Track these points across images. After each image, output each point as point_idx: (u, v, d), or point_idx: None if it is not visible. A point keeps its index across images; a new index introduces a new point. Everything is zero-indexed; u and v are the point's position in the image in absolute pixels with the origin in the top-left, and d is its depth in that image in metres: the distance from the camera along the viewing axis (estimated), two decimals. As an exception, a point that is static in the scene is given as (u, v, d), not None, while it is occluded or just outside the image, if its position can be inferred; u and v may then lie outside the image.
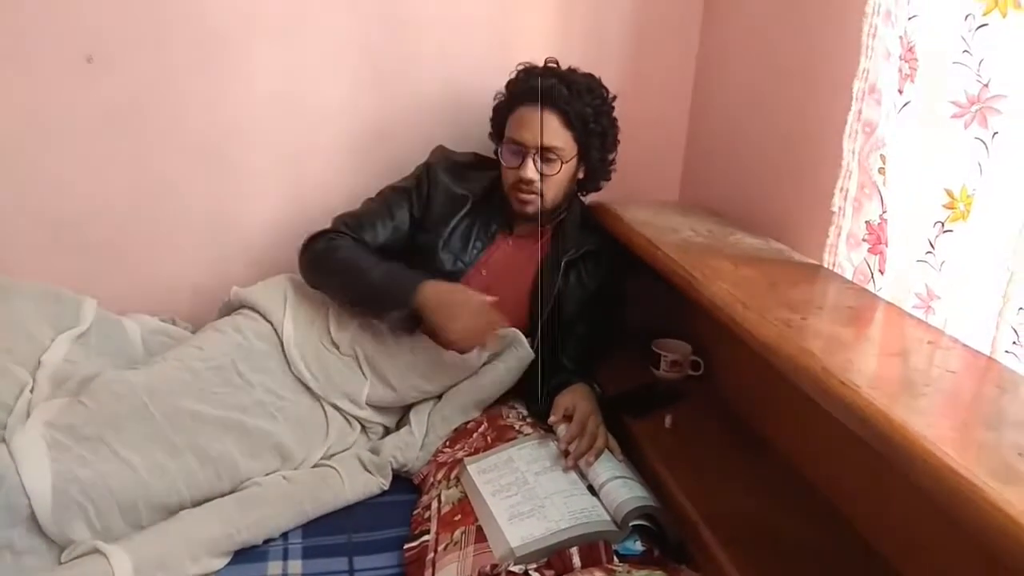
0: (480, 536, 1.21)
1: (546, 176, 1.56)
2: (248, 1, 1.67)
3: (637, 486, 1.27)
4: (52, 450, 1.21)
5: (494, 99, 1.67)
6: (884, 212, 1.23)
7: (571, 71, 1.61)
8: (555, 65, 1.63)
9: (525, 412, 1.55)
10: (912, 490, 0.83)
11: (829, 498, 1.21)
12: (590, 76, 1.62)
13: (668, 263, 1.37)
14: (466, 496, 1.32)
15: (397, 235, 1.64)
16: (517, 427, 1.48)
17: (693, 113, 1.99)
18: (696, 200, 1.95)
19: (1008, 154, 1.01)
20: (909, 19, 1.15)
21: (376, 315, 1.56)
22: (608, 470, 1.30)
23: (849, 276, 1.32)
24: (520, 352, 1.55)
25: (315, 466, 1.47)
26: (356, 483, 1.43)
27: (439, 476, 1.42)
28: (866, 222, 1.27)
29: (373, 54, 1.78)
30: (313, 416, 1.51)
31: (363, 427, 1.57)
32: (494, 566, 1.14)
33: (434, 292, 1.45)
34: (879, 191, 1.23)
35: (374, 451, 1.52)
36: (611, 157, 1.68)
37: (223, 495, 1.34)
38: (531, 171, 1.55)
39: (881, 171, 1.22)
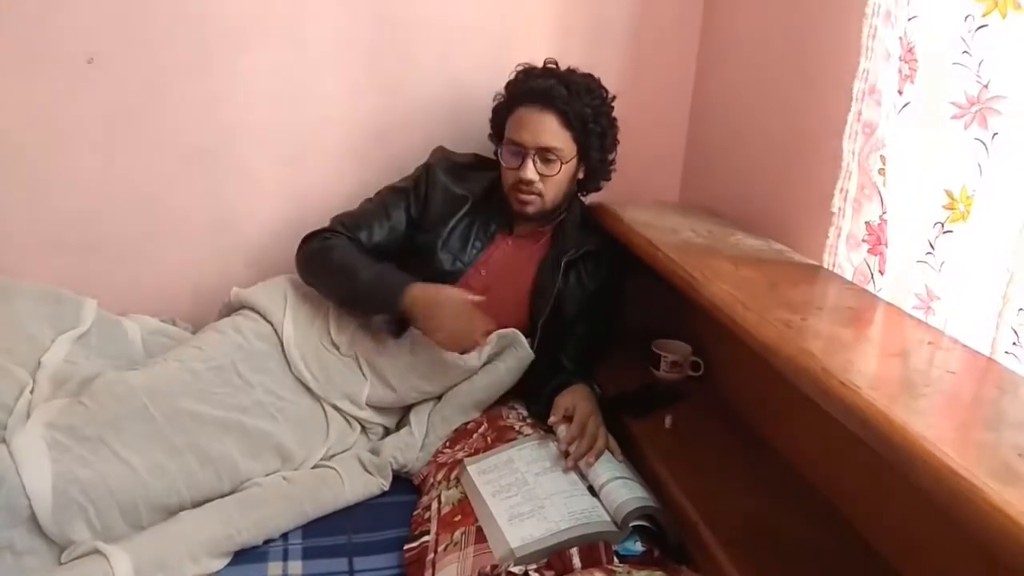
0: (480, 537, 1.21)
1: (545, 177, 1.56)
2: (248, 2, 1.68)
3: (637, 487, 1.27)
4: (52, 451, 1.21)
5: (493, 100, 1.67)
6: (884, 213, 1.23)
7: (570, 71, 1.61)
8: (554, 66, 1.63)
9: (525, 413, 1.55)
10: (912, 491, 0.83)
11: (829, 498, 1.21)
12: (589, 76, 1.62)
13: (668, 264, 1.37)
14: (466, 497, 1.32)
15: (393, 235, 1.64)
16: (517, 428, 1.48)
17: (693, 113, 1.99)
18: (696, 201, 1.95)
19: (1008, 155, 1.01)
20: (909, 20, 1.15)
21: (365, 316, 1.56)
22: (608, 471, 1.30)
23: (849, 277, 1.32)
24: (520, 352, 1.55)
25: (315, 467, 1.47)
26: (356, 484, 1.43)
27: (439, 477, 1.42)
28: (866, 223, 1.27)
29: (373, 55, 1.78)
30: (313, 417, 1.51)
31: (363, 428, 1.58)
32: (494, 567, 1.14)
33: (421, 295, 1.45)
34: (879, 192, 1.24)
35: (374, 452, 1.52)
36: (611, 157, 1.68)
37: (223, 496, 1.34)
38: (531, 172, 1.55)
39: (881, 172, 1.23)
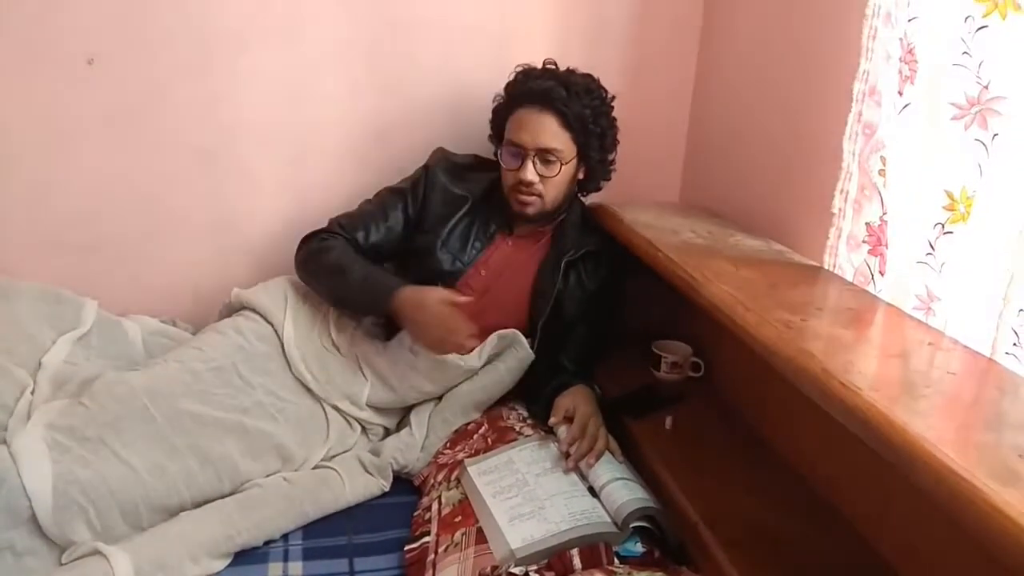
0: (481, 537, 1.21)
1: (545, 178, 1.56)
2: (249, 3, 1.68)
3: (638, 488, 1.27)
4: (53, 451, 1.21)
5: (493, 101, 1.67)
6: (884, 214, 1.23)
7: (569, 72, 1.61)
8: (553, 66, 1.63)
9: (525, 413, 1.55)
10: (912, 491, 0.84)
11: (829, 499, 1.21)
12: (588, 76, 1.62)
13: (669, 265, 1.37)
14: (467, 497, 1.32)
15: (390, 236, 1.64)
16: (517, 428, 1.48)
17: (693, 114, 1.99)
18: (696, 201, 1.95)
19: (1008, 156, 1.00)
20: (909, 21, 1.15)
21: (356, 318, 1.56)
22: (609, 472, 1.30)
23: (849, 277, 1.32)
24: (520, 353, 1.55)
25: (315, 467, 1.47)
26: (356, 484, 1.43)
27: (439, 477, 1.42)
28: (866, 223, 1.27)
29: (373, 56, 1.78)
30: (314, 417, 1.51)
31: (363, 428, 1.58)
32: (495, 567, 1.14)
33: (407, 299, 1.45)
34: (879, 193, 1.24)
35: (375, 452, 1.53)
36: (611, 157, 1.68)
37: (223, 496, 1.34)
38: (531, 173, 1.55)
39: (881, 173, 1.23)
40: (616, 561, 1.14)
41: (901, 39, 1.17)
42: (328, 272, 1.56)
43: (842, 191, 1.32)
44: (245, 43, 1.70)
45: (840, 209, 1.33)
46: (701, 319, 1.35)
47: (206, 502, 1.32)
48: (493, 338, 1.56)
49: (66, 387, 1.39)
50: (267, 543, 1.31)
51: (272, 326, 1.55)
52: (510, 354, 1.56)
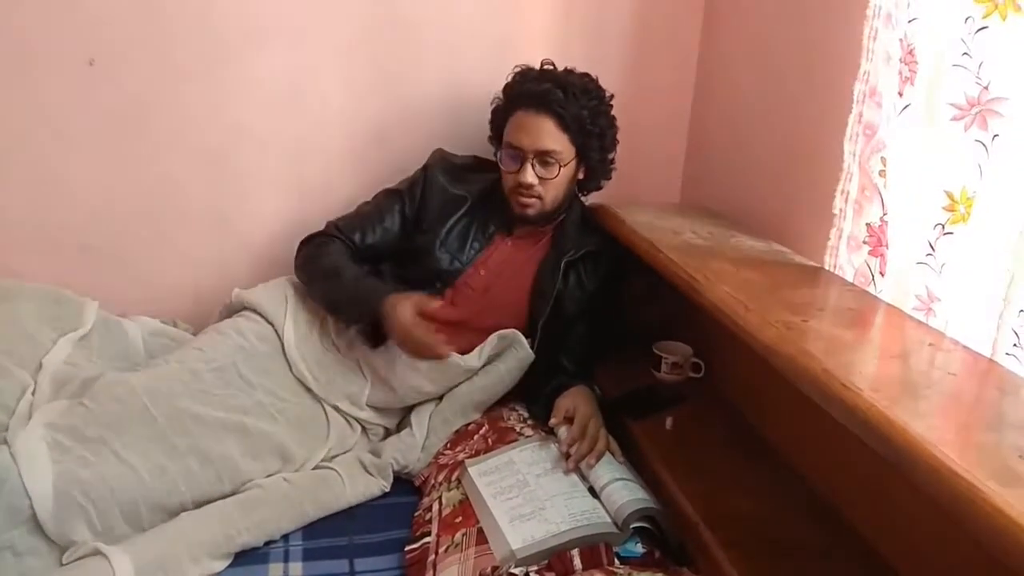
0: (481, 538, 1.21)
1: (545, 180, 1.56)
2: (249, 4, 1.68)
3: (638, 488, 1.27)
4: (53, 452, 1.21)
5: (491, 103, 1.67)
6: (885, 214, 1.23)
7: (567, 72, 1.61)
8: (551, 67, 1.63)
9: (526, 414, 1.55)
10: (913, 492, 0.84)
11: (830, 499, 1.21)
12: (586, 76, 1.62)
13: (669, 265, 1.37)
14: (467, 498, 1.32)
15: (387, 237, 1.65)
16: (518, 429, 1.48)
17: (694, 115, 1.99)
18: (697, 202, 1.95)
19: (1008, 156, 1.00)
20: (909, 22, 1.15)
21: (347, 324, 1.56)
22: (609, 472, 1.30)
23: (850, 278, 1.32)
24: (520, 353, 1.56)
25: (316, 468, 1.47)
26: (357, 485, 1.43)
27: (440, 478, 1.42)
28: (867, 224, 1.27)
29: (374, 57, 1.78)
30: (314, 418, 1.51)
31: (364, 429, 1.58)
32: (495, 568, 1.14)
33: (390, 309, 1.44)
34: (880, 193, 1.24)
35: (375, 453, 1.53)
36: (611, 156, 1.68)
37: (224, 497, 1.34)
38: (530, 175, 1.55)
39: (882, 173, 1.23)
40: (616, 561, 1.14)
41: (901, 40, 1.17)
42: (321, 278, 1.57)
43: (843, 192, 1.32)
44: (245, 44, 1.70)
45: (841, 210, 1.33)
46: (702, 320, 1.35)
47: (207, 502, 1.32)
48: (493, 338, 1.56)
49: (67, 387, 1.39)
50: (267, 543, 1.31)
51: (273, 326, 1.55)
52: (510, 354, 1.56)
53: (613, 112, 1.64)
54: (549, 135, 1.54)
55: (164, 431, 1.31)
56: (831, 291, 1.30)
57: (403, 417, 1.62)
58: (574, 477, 1.32)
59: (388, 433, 1.61)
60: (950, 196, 1.08)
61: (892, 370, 0.99)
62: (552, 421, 1.43)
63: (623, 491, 1.25)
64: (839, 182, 1.33)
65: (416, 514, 1.39)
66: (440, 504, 1.35)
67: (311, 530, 1.36)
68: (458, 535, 1.24)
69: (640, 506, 1.22)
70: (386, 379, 1.55)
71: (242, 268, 1.82)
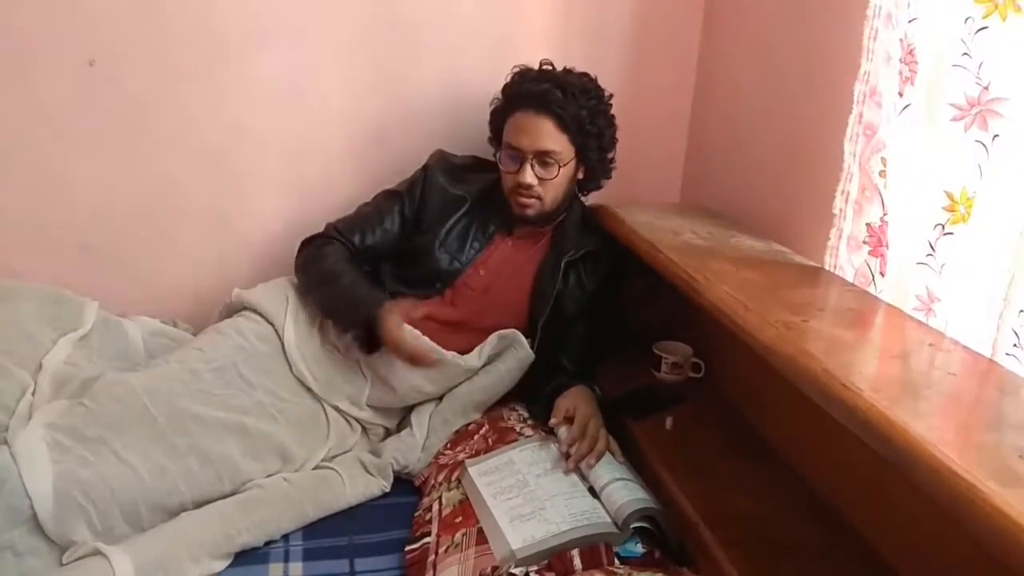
0: (481, 538, 1.21)
1: (544, 180, 1.56)
2: (249, 4, 1.68)
3: (638, 488, 1.27)
4: (53, 452, 1.21)
5: (490, 104, 1.67)
6: (885, 214, 1.23)
7: (566, 72, 1.61)
8: (550, 67, 1.63)
9: (526, 414, 1.55)
10: (913, 492, 0.84)
11: (830, 499, 1.21)
12: (585, 76, 1.62)
13: (669, 266, 1.37)
14: (467, 498, 1.32)
15: (387, 238, 1.65)
16: (518, 429, 1.48)
17: (694, 115, 1.99)
18: (697, 202, 1.95)
19: (1008, 156, 1.00)
20: (909, 22, 1.15)
21: (342, 331, 1.55)
22: (609, 472, 1.30)
23: (850, 278, 1.32)
24: (520, 353, 1.56)
25: (316, 468, 1.47)
26: (357, 485, 1.43)
27: (440, 478, 1.42)
28: (867, 224, 1.27)
29: (374, 57, 1.78)
30: (314, 418, 1.51)
31: (364, 429, 1.58)
32: (495, 568, 1.14)
33: (381, 319, 1.44)
34: (880, 193, 1.24)
35: (375, 453, 1.53)
36: (610, 156, 1.68)
37: (224, 497, 1.34)
38: (529, 176, 1.55)
39: (882, 174, 1.23)
40: (616, 562, 1.14)
41: (902, 40, 1.17)
42: (317, 284, 1.57)
43: (843, 192, 1.32)
44: (245, 44, 1.70)
45: (841, 210, 1.33)
46: (702, 320, 1.35)
47: (207, 502, 1.32)
48: (493, 338, 1.56)
49: (67, 388, 1.39)
50: (267, 543, 1.31)
51: (273, 327, 1.55)
52: (510, 354, 1.56)
53: (612, 111, 1.64)
54: (548, 135, 1.54)
55: (164, 431, 1.31)
56: (831, 291, 1.30)
57: (403, 417, 1.62)
58: (574, 477, 1.32)
59: (388, 433, 1.61)
60: (950, 196, 1.08)
61: (892, 370, 0.99)
62: (552, 421, 1.43)
63: (623, 491, 1.25)
64: (839, 182, 1.33)
65: (416, 514, 1.39)
66: (440, 504, 1.35)
67: (311, 530, 1.36)
68: (458, 535, 1.24)
69: (640, 506, 1.22)
70: (386, 379, 1.55)
71: (242, 268, 1.82)
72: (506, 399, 1.59)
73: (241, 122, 1.74)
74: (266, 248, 1.83)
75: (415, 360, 1.47)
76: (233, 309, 1.63)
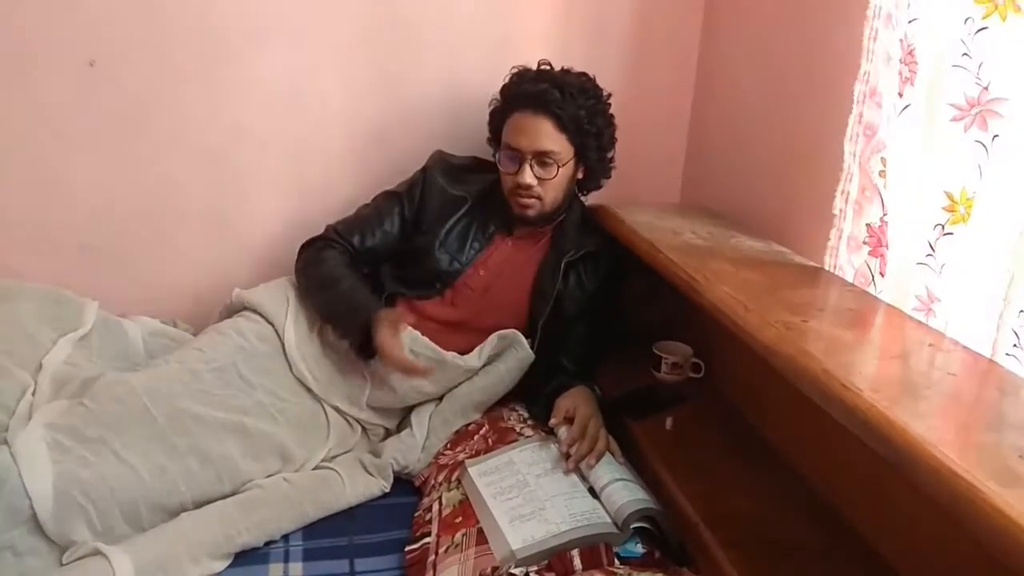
0: (481, 538, 1.21)
1: (543, 180, 1.56)
2: (249, 4, 1.68)
3: (638, 488, 1.27)
4: (53, 452, 1.21)
5: (489, 105, 1.67)
6: (884, 215, 1.23)
7: (564, 72, 1.61)
8: (548, 67, 1.63)
9: (526, 414, 1.55)
10: (913, 492, 0.84)
11: (830, 500, 1.21)
12: (583, 76, 1.61)
13: (669, 266, 1.37)
14: (467, 498, 1.32)
15: (387, 239, 1.65)
16: (518, 429, 1.48)
17: (694, 115, 1.99)
18: (697, 202, 1.95)
19: (1008, 157, 1.01)
20: (909, 22, 1.15)
21: (339, 337, 1.55)
22: (609, 472, 1.30)
23: (850, 278, 1.32)
24: (520, 353, 1.56)
25: (316, 468, 1.47)
26: (357, 485, 1.43)
27: (440, 478, 1.42)
28: (867, 224, 1.27)
29: (374, 57, 1.78)
30: (314, 418, 1.51)
31: (364, 429, 1.58)
32: (495, 568, 1.14)
33: (376, 327, 1.44)
34: (880, 194, 1.24)
35: (375, 453, 1.53)
36: (609, 155, 1.68)
37: (224, 497, 1.34)
38: (529, 176, 1.55)
39: (882, 174, 1.23)
40: (616, 562, 1.14)
41: (901, 40, 1.17)
42: (317, 287, 1.57)
43: (843, 192, 1.32)
44: (245, 44, 1.70)
45: (841, 210, 1.33)
46: (702, 320, 1.35)
47: (207, 502, 1.32)
48: (493, 338, 1.56)
49: (67, 388, 1.39)
50: (267, 544, 1.31)
51: (273, 327, 1.55)
52: (510, 354, 1.56)
53: (611, 111, 1.64)
54: (547, 136, 1.54)
55: (164, 431, 1.31)
56: (831, 291, 1.30)
57: (403, 417, 1.62)
58: (574, 477, 1.32)
59: (388, 433, 1.61)
60: (950, 196, 1.08)
61: (892, 370, 0.99)
62: (552, 421, 1.43)
63: (623, 491, 1.25)
64: (839, 182, 1.33)
65: (416, 514, 1.39)
66: (440, 504, 1.35)
67: (311, 530, 1.36)
68: (458, 535, 1.24)
69: (640, 506, 1.22)
70: (386, 379, 1.55)
71: (242, 268, 1.82)
72: (506, 399, 1.59)
73: (241, 122, 1.74)
74: (266, 248, 1.83)
75: (407, 372, 1.47)
76: (233, 309, 1.63)
